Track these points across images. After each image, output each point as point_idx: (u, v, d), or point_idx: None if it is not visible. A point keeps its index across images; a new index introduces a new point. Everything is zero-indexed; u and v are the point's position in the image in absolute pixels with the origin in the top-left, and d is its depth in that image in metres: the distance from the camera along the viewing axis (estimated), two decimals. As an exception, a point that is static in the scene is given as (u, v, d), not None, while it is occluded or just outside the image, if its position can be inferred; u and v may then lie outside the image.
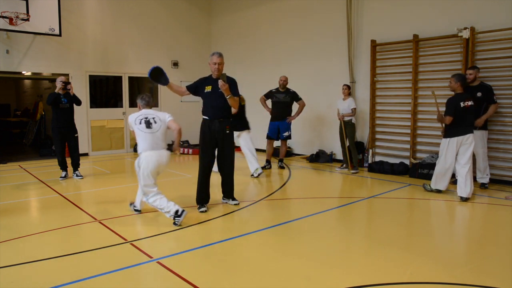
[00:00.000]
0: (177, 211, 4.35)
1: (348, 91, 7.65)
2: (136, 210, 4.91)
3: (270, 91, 8.06)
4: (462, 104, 5.50)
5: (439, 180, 5.82)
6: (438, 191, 5.88)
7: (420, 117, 7.41)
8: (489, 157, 6.31)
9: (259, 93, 8.44)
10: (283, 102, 7.88)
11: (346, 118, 7.56)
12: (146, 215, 4.84)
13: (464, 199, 5.51)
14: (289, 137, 8.05)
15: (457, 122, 5.50)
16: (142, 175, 4.46)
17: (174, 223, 4.37)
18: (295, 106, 8.07)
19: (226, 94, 4.86)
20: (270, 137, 8.05)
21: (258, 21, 10.66)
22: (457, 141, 5.54)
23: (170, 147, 4.84)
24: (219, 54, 4.96)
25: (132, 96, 10.84)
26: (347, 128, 7.60)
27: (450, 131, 5.60)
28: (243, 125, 7.15)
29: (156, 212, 4.94)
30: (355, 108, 7.59)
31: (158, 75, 4.77)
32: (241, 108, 6.90)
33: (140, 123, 4.53)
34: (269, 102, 8.18)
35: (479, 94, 6.01)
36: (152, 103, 4.85)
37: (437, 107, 5.89)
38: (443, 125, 5.75)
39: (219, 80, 4.83)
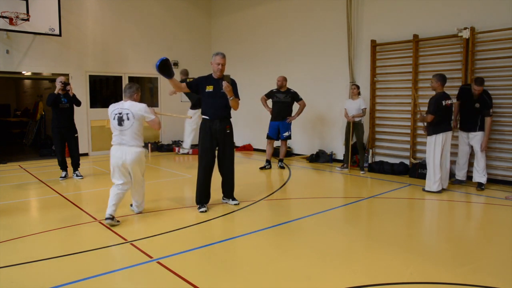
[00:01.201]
0: (108, 215, 4.38)
1: (358, 90, 7.57)
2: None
3: (271, 91, 8.05)
4: (443, 103, 5.82)
5: (432, 181, 5.94)
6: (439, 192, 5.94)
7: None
8: (488, 157, 6.32)
9: (259, 92, 8.45)
10: (283, 102, 7.88)
11: (357, 119, 7.53)
12: (146, 215, 4.84)
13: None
14: (289, 137, 8.05)
15: (440, 120, 5.84)
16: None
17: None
18: (295, 106, 8.06)
19: (229, 95, 4.86)
20: (270, 137, 8.05)
21: (258, 21, 10.66)
22: (442, 137, 5.87)
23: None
24: (223, 55, 4.95)
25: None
26: (357, 128, 7.53)
27: (435, 128, 5.89)
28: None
29: (156, 212, 4.95)
30: (365, 108, 7.56)
31: (165, 68, 4.65)
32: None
33: (114, 119, 4.47)
34: (269, 102, 8.18)
35: (477, 105, 6.03)
36: (134, 95, 4.57)
37: (418, 106, 6.17)
38: (425, 124, 6.08)
39: (223, 82, 4.82)
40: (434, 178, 5.90)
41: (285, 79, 7.88)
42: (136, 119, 4.42)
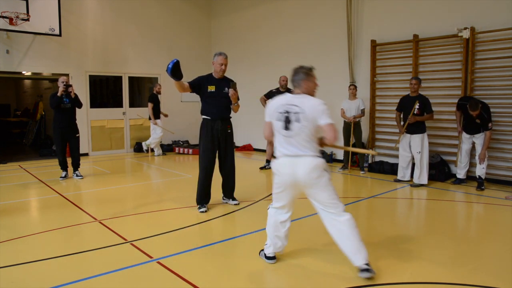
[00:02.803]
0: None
1: (356, 91, 7.59)
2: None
3: (271, 91, 8.04)
4: None
5: (424, 174, 6.34)
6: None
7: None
8: (489, 157, 6.30)
9: (259, 92, 8.44)
10: (283, 102, 7.86)
11: (357, 119, 7.48)
12: (146, 215, 4.84)
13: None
14: (290, 137, 8.02)
15: None
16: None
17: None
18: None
19: (234, 101, 4.90)
20: (271, 137, 8.03)
21: (258, 21, 10.66)
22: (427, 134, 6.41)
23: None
24: (225, 56, 4.96)
25: (132, 96, 10.84)
26: (356, 129, 7.53)
27: (424, 127, 6.37)
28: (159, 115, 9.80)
29: (156, 212, 4.95)
30: (364, 109, 7.56)
31: (177, 70, 4.48)
32: (157, 101, 9.63)
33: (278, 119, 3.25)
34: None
35: (477, 121, 6.02)
36: (302, 83, 3.40)
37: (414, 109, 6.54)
38: (404, 123, 6.50)
39: (229, 89, 4.85)
40: (426, 170, 6.31)
41: (288, 79, 7.89)
42: (309, 120, 3.18)
